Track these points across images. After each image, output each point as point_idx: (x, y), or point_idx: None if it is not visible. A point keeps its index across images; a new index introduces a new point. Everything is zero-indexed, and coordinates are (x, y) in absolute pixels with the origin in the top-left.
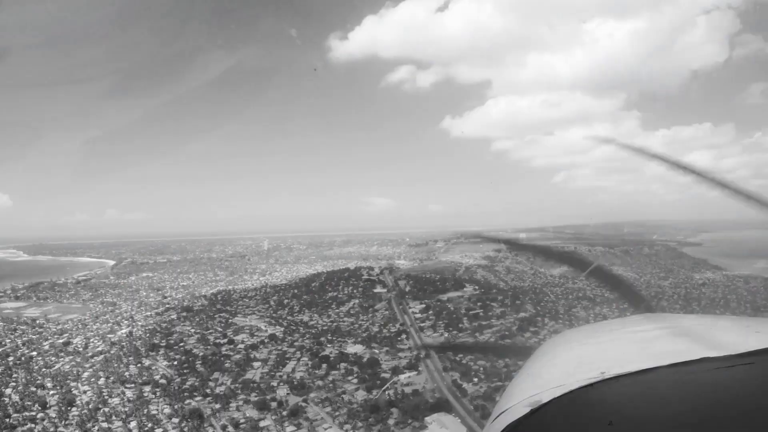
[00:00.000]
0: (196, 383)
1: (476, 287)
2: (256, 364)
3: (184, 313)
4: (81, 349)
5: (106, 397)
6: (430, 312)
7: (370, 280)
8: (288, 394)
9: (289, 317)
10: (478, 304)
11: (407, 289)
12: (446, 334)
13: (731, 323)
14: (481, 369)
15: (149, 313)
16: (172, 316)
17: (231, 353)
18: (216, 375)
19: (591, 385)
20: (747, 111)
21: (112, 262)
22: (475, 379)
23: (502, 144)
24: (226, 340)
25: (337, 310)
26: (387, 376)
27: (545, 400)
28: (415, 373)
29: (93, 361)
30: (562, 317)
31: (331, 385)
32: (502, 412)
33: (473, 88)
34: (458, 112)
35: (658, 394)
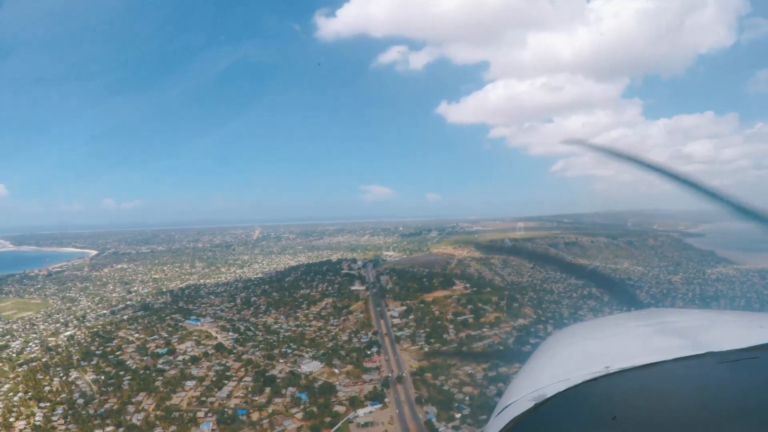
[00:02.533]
0: (115, 406)
1: (468, 285)
2: (189, 383)
3: (140, 312)
4: (14, 355)
5: (12, 419)
6: (411, 316)
7: (349, 275)
8: (213, 430)
9: (252, 318)
10: (469, 306)
11: (389, 286)
12: (426, 347)
13: (735, 318)
14: (467, 399)
15: (105, 311)
16: (125, 316)
17: (167, 368)
18: (141, 396)
19: (595, 379)
20: (751, 100)
21: (94, 252)
22: (458, 416)
23: (499, 131)
24: (166, 350)
25: (306, 311)
26: (342, 409)
27: (549, 394)
28: (378, 406)
29: (20, 370)
30: (567, 322)
31: (267, 421)
32: (507, 407)
33: (469, 70)
34: (454, 96)
35: (662, 388)
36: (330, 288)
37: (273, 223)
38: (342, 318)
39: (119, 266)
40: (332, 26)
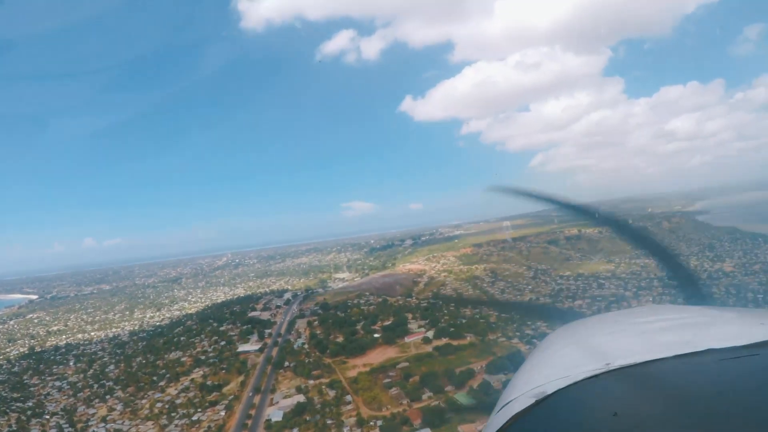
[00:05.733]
0: None
1: (431, 331)
2: None
3: None
4: None
5: None
6: (296, 430)
7: (254, 320)
8: None
9: (81, 407)
10: (424, 391)
11: (298, 342)
12: None
13: (736, 315)
14: None
15: None
16: None
17: None
18: None
19: (596, 376)
20: (738, 61)
21: (33, 298)
22: None
23: (473, 125)
24: None
25: (158, 395)
26: None
27: (550, 391)
28: None
29: None
30: None
31: None
32: (507, 403)
33: (432, 54)
34: (419, 90)
35: (663, 385)
36: (213, 348)
37: (246, 249)
38: (195, 416)
39: (31, 315)
40: (258, 11)
